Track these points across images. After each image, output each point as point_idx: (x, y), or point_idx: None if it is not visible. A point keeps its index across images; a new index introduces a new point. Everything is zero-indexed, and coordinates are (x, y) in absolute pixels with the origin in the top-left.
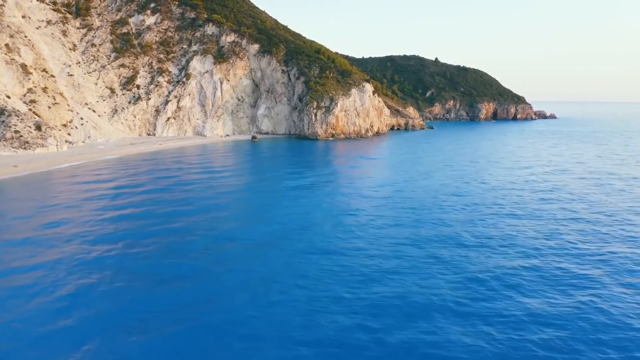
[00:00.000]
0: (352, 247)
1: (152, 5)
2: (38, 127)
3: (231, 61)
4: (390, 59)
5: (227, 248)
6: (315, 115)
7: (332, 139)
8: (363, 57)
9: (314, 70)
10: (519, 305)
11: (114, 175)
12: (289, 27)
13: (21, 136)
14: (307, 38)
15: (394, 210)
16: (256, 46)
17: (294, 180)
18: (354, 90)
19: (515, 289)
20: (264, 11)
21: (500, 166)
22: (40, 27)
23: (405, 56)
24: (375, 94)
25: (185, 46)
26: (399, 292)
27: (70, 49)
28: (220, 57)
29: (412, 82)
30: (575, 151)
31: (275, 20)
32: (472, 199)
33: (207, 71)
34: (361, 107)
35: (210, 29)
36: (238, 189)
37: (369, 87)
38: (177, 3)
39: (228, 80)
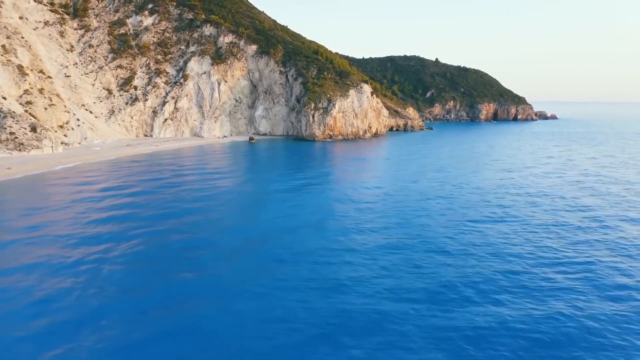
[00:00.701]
0: (327, 252)
1: (150, 6)
2: (33, 129)
3: (229, 62)
4: (391, 59)
5: (202, 253)
6: (313, 116)
7: (329, 140)
8: (363, 58)
9: (311, 71)
10: (492, 313)
11: (105, 178)
12: (288, 27)
13: (16, 138)
14: (307, 38)
15: (374, 214)
16: (254, 47)
17: (283, 183)
18: (352, 92)
19: (490, 296)
20: (262, 12)
21: (493, 169)
22: (37, 28)
23: (405, 56)
24: (374, 95)
25: (183, 47)
26: (365, 299)
27: (67, 50)
28: (218, 58)
29: (412, 82)
30: (572, 154)
31: (274, 21)
32: (457, 202)
33: (205, 72)
34: (359, 108)
35: (208, 29)
36: (226, 191)
37: (367, 88)
38: (174, 4)
39: (226, 81)
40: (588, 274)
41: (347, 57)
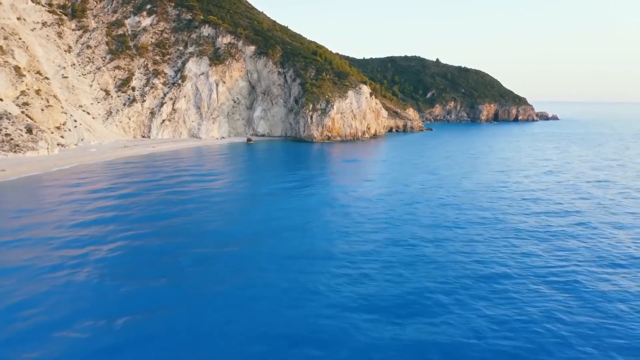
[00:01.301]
0: (306, 258)
1: (148, 6)
2: (29, 130)
3: (227, 63)
4: (391, 59)
5: (180, 258)
6: (311, 117)
7: (327, 141)
8: (364, 58)
9: (310, 72)
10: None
11: (98, 180)
12: (289, 27)
13: (12, 139)
14: (308, 39)
15: (360, 218)
16: (252, 48)
17: (272, 186)
18: (350, 92)
19: (468, 303)
20: (262, 12)
21: (487, 171)
22: (35, 28)
23: (406, 57)
24: (373, 96)
25: (181, 48)
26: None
27: (65, 51)
28: (216, 58)
29: (413, 83)
30: (569, 156)
31: (273, 21)
32: (446, 207)
33: (203, 73)
34: (358, 109)
35: (206, 30)
36: (216, 194)
37: (365, 89)
38: (173, 4)
39: (224, 82)
40: (568, 282)
41: (347, 58)
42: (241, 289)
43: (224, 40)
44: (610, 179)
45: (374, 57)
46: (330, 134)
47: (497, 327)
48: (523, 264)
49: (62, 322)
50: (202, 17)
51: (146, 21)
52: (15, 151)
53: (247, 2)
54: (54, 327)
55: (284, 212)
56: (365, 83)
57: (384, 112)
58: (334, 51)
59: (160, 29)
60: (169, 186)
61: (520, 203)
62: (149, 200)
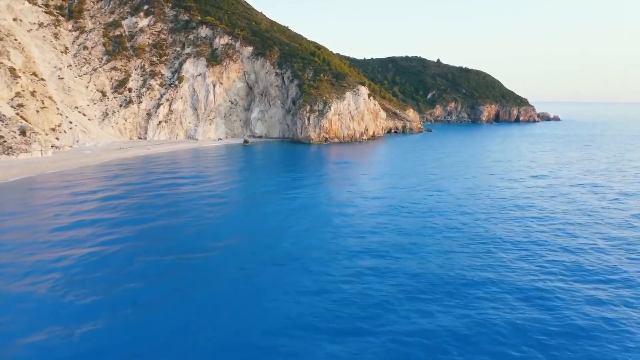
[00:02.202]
0: (276, 264)
1: (146, 7)
2: (23, 132)
3: (224, 64)
4: (392, 60)
5: (151, 264)
6: (308, 119)
7: (325, 143)
8: (364, 59)
9: (308, 73)
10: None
11: (87, 182)
12: (289, 27)
13: (5, 141)
14: (308, 39)
15: (339, 223)
16: (250, 48)
17: (259, 189)
18: (348, 94)
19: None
20: (260, 12)
21: (479, 175)
22: (31, 29)
23: (406, 57)
24: (371, 97)
25: (178, 49)
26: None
27: (61, 52)
28: (214, 59)
29: (413, 83)
30: (567, 159)
31: (272, 22)
32: (429, 213)
33: (200, 74)
34: (356, 111)
35: (203, 31)
36: (202, 197)
37: (364, 90)
38: (170, 5)
39: (221, 83)
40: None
41: (347, 58)
42: (203, 297)
43: (222, 41)
44: (602, 185)
45: (374, 57)
46: (327, 136)
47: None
48: (499, 273)
49: (20, 331)
50: (199, 18)
51: (143, 22)
52: (8, 153)
53: (245, 2)
54: (16, 334)
55: (262, 216)
56: (363, 84)
57: (383, 114)
58: (334, 51)
59: (157, 29)
60: (156, 188)
61: (507, 210)
62: (134, 204)
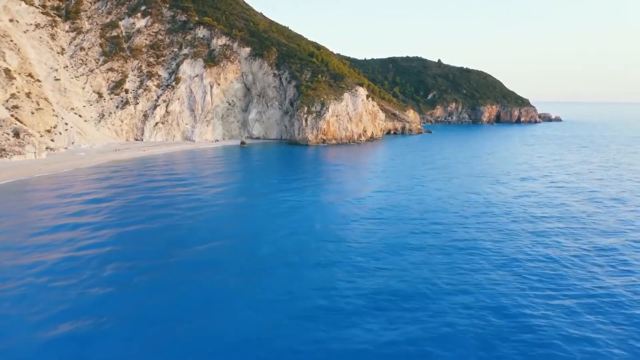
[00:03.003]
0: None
1: (143, 7)
2: (16, 134)
3: (222, 65)
4: (392, 60)
5: (127, 272)
6: (306, 120)
7: (323, 144)
8: (365, 59)
9: (305, 74)
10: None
11: (78, 185)
12: (289, 27)
13: None
14: (308, 39)
15: (321, 231)
16: (247, 49)
17: (246, 193)
18: (346, 95)
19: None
20: (260, 13)
21: (470, 180)
22: (28, 30)
23: (407, 57)
24: (370, 98)
25: (175, 49)
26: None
27: (58, 53)
28: (211, 60)
29: (414, 84)
30: (566, 163)
31: (270, 22)
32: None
33: (197, 75)
34: (354, 112)
35: (201, 32)
36: (187, 200)
37: (362, 91)
38: (168, 6)
39: (219, 84)
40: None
41: (348, 58)
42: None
43: (219, 41)
44: (596, 190)
45: (375, 57)
46: (325, 137)
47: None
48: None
49: None
50: (197, 19)
51: (140, 23)
52: (1, 155)
53: (243, 3)
54: None
55: (243, 220)
56: (362, 85)
57: (381, 115)
58: (334, 52)
59: (154, 30)
60: (145, 191)
61: (499, 221)
62: (119, 207)
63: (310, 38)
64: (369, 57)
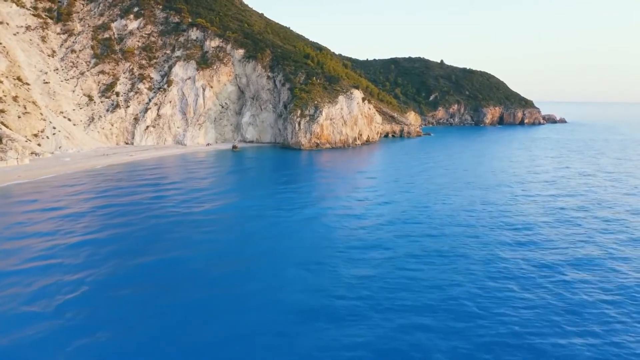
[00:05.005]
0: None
1: (136, 9)
2: None
3: (215, 67)
4: (394, 61)
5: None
6: (299, 124)
7: (316, 148)
8: (367, 59)
9: (300, 76)
10: None
11: (50, 194)
12: (291, 28)
13: None
14: (311, 40)
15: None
16: (241, 51)
17: (225, 203)
18: (341, 98)
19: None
20: (261, 13)
21: (463, 191)
22: (18, 33)
23: (410, 58)
24: (366, 101)
25: (168, 52)
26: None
27: (48, 56)
28: (204, 62)
29: (416, 85)
30: (569, 175)
31: (267, 23)
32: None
33: (190, 77)
34: (348, 115)
35: (194, 33)
36: (158, 207)
37: (357, 94)
38: (161, 7)
39: (211, 87)
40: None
41: (349, 59)
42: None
43: (212, 43)
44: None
45: (377, 58)
46: (319, 141)
47: None
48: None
49: None
50: (190, 20)
51: (133, 24)
52: None
53: (240, 3)
54: None
55: (209, 234)
56: (357, 88)
57: (378, 118)
58: (336, 52)
59: (147, 32)
60: (114, 197)
61: (488, 230)
62: (84, 220)
63: (313, 39)
64: (370, 58)
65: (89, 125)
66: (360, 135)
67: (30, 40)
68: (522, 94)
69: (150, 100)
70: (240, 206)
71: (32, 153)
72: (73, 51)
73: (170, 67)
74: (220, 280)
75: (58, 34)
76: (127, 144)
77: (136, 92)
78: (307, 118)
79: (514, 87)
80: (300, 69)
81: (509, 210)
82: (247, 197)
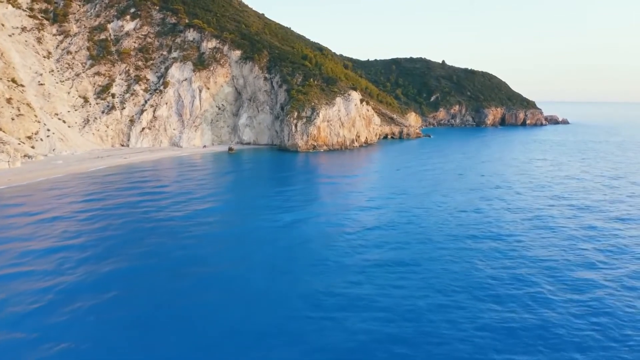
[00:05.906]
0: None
1: (132, 10)
2: None
3: (211, 68)
4: (395, 61)
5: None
6: (296, 125)
7: (313, 151)
8: (368, 60)
9: (297, 77)
10: None
11: (33, 200)
12: (292, 29)
13: None
14: (312, 40)
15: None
16: (238, 52)
17: (212, 205)
18: (338, 99)
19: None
20: (262, 14)
21: (456, 195)
22: (13, 34)
23: (411, 59)
24: (364, 102)
25: (164, 53)
26: None
27: (44, 57)
28: (201, 64)
29: (417, 85)
30: (565, 184)
31: (265, 24)
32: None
33: (186, 79)
34: (346, 117)
35: (191, 34)
36: (154, 219)
37: (355, 96)
38: (157, 8)
39: (208, 88)
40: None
41: (350, 59)
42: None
43: (209, 44)
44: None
45: (378, 58)
46: (315, 143)
47: None
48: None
49: None
50: (187, 21)
51: (129, 25)
52: None
53: (238, 4)
54: None
55: (190, 240)
56: (355, 89)
57: (377, 119)
58: (337, 53)
59: (143, 33)
60: (107, 200)
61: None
62: (66, 228)
63: (314, 39)
64: (372, 59)
65: (84, 127)
66: (358, 137)
67: (26, 41)
68: (524, 95)
69: (146, 101)
70: (227, 210)
71: (24, 156)
72: (69, 52)
73: (167, 69)
74: (196, 288)
75: (54, 35)
76: (122, 146)
77: (132, 94)
78: (304, 120)
79: (516, 87)
80: (298, 71)
81: (499, 219)
82: (238, 202)
